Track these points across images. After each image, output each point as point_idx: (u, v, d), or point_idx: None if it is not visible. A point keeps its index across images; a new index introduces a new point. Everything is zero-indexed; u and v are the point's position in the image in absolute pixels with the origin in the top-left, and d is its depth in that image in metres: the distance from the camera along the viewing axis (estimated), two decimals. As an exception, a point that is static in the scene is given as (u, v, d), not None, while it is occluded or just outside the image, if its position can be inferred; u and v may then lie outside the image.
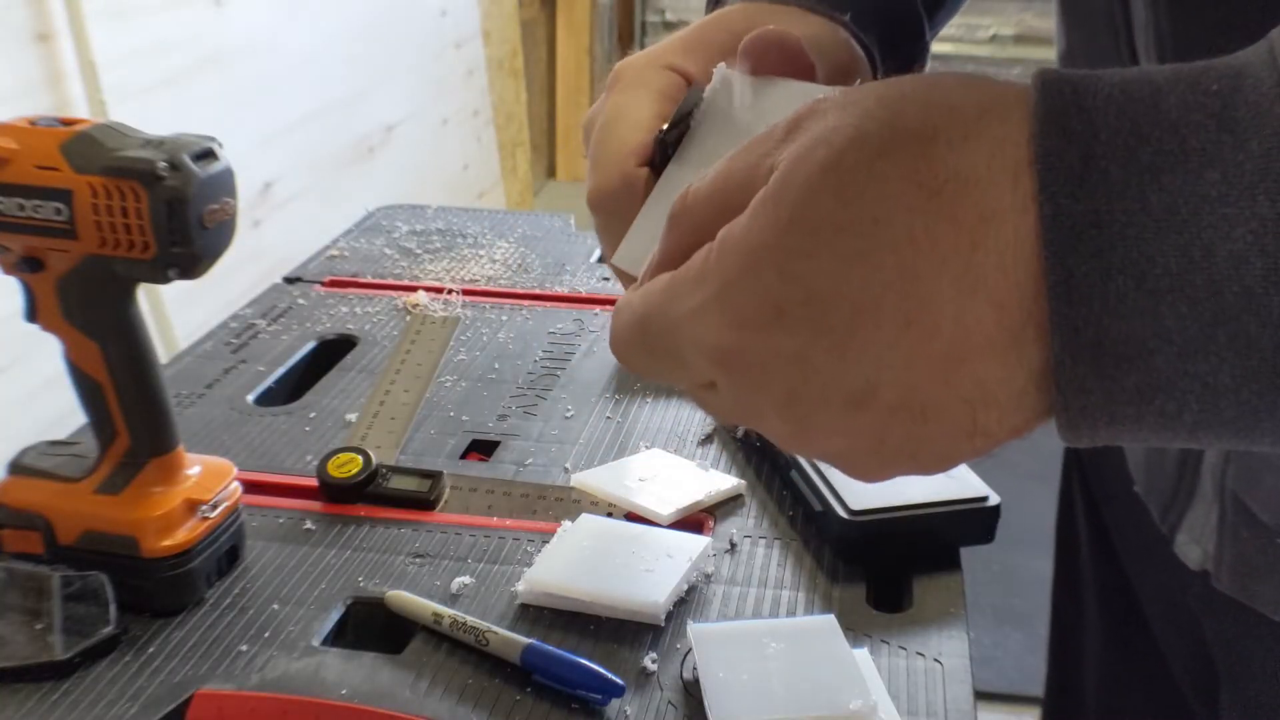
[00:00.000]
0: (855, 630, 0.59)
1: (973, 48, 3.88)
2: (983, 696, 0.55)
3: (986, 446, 0.32)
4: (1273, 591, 0.51)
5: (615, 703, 0.54)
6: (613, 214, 0.44)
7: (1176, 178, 0.27)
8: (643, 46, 4.59)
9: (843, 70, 0.48)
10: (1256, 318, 0.27)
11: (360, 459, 0.71)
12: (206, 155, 0.55)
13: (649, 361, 0.37)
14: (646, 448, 0.76)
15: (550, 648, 0.56)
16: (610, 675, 0.54)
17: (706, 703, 0.52)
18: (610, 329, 0.38)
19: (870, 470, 0.34)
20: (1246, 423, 0.28)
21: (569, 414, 0.81)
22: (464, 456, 0.77)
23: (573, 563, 0.62)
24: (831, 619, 0.58)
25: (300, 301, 0.99)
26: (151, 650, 0.58)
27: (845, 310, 0.30)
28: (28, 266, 0.57)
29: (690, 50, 0.47)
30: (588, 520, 0.66)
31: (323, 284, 1.03)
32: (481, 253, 1.10)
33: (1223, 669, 0.58)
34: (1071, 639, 0.81)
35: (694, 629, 0.57)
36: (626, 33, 4.29)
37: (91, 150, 0.55)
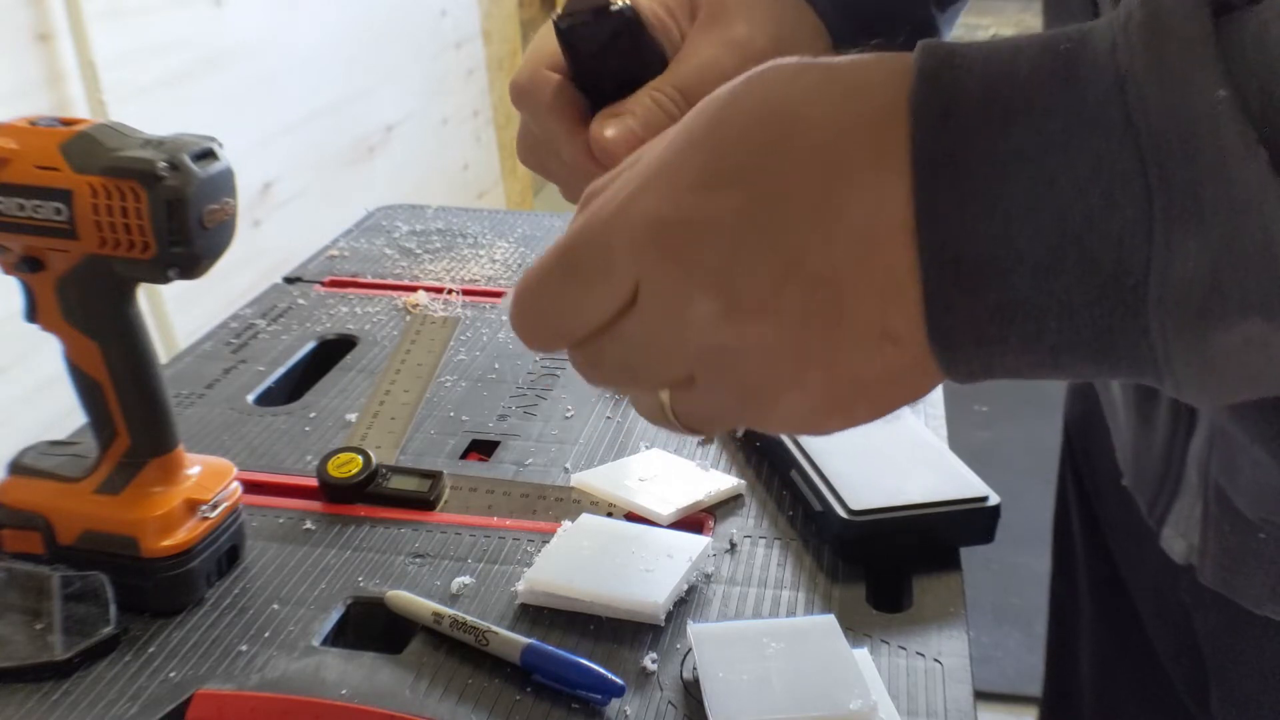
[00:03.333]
0: (855, 630, 0.59)
1: (973, 48, 3.88)
2: (983, 696, 0.55)
3: (897, 361, 0.33)
4: (1255, 586, 0.52)
5: (615, 703, 0.54)
6: (524, 107, 0.48)
7: (1023, 128, 0.31)
8: (643, 46, 4.59)
9: (800, 46, 0.50)
10: (1099, 237, 0.30)
11: (360, 459, 0.71)
12: (206, 155, 0.55)
13: (560, 297, 0.37)
14: (647, 448, 0.76)
15: (550, 648, 0.56)
16: (610, 675, 0.54)
17: (706, 703, 0.53)
18: (516, 285, 0.39)
19: (799, 398, 0.35)
20: (1103, 343, 0.31)
21: (569, 414, 0.81)
22: (464, 456, 0.77)
23: (573, 563, 0.62)
24: (831, 619, 0.58)
25: (300, 301, 0.99)
26: (151, 650, 0.58)
27: (771, 182, 0.33)
28: (28, 266, 0.57)
29: None
30: (588, 520, 0.66)
31: (323, 284, 1.03)
32: (481, 253, 1.10)
33: (1211, 665, 0.58)
34: (1068, 634, 0.81)
35: (694, 629, 0.57)
36: (626, 33, 4.28)
37: (91, 150, 0.55)
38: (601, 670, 0.54)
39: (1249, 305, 0.29)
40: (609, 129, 0.46)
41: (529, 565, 0.64)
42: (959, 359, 0.33)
